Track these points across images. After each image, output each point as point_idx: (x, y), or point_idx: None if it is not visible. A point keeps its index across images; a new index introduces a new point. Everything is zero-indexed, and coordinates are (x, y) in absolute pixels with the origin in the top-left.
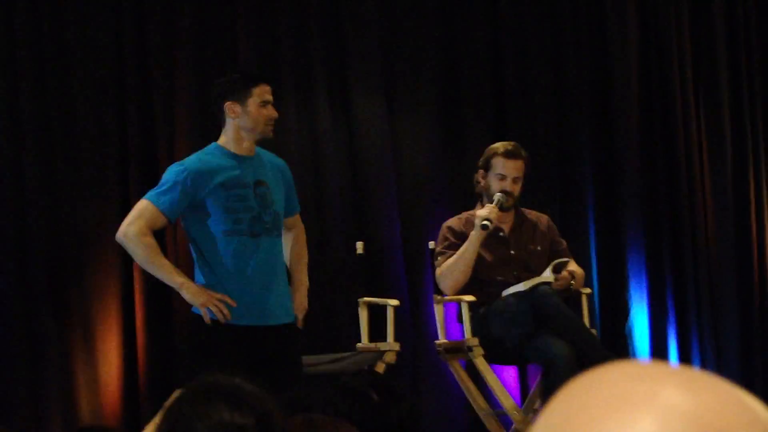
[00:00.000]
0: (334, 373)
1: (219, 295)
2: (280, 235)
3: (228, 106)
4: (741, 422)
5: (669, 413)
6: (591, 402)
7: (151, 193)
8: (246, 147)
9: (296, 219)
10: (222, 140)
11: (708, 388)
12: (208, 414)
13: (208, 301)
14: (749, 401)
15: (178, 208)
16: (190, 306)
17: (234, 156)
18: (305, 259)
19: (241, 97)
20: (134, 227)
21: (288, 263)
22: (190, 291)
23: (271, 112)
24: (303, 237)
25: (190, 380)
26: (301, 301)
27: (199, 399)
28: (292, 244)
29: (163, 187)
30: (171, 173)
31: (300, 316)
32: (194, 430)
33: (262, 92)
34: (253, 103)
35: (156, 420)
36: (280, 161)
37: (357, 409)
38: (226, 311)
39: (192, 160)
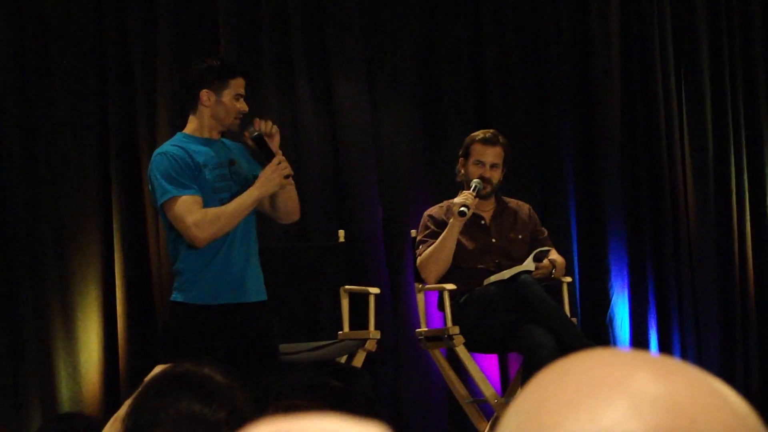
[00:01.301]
0: (316, 360)
1: (277, 160)
2: (253, 212)
3: (204, 93)
4: (713, 407)
5: (640, 398)
6: (563, 387)
7: (166, 193)
8: (213, 132)
9: None
10: (189, 128)
11: (680, 374)
12: (174, 404)
13: (280, 180)
14: (721, 388)
15: (194, 182)
16: (169, 293)
17: (204, 140)
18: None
19: (217, 86)
20: (189, 221)
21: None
22: (261, 188)
23: (242, 105)
24: None
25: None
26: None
27: (166, 389)
28: None
29: (169, 178)
30: (159, 165)
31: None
32: (159, 421)
33: (238, 85)
34: (228, 94)
35: (121, 411)
36: (237, 144)
37: (321, 398)
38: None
39: (168, 146)
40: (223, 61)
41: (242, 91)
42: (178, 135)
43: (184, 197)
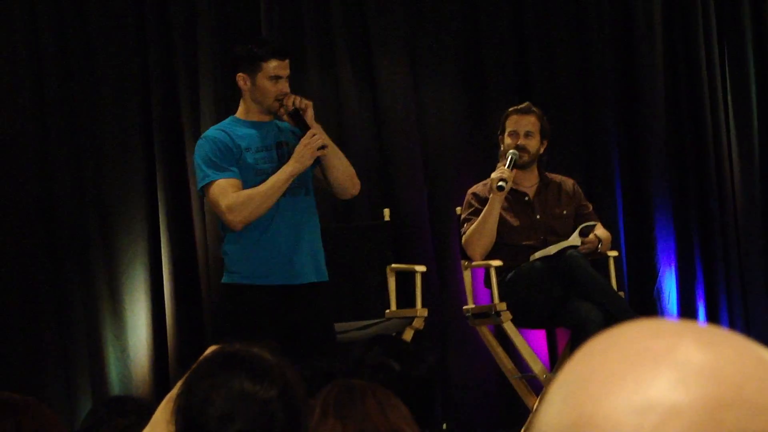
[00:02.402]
0: (364, 339)
1: (311, 133)
2: (308, 193)
3: (240, 77)
4: (759, 376)
5: (686, 368)
6: (609, 359)
7: (205, 177)
8: (262, 115)
9: None
10: (239, 111)
11: (726, 343)
12: (225, 384)
13: (312, 152)
14: (767, 356)
15: (236, 166)
16: (218, 275)
17: (251, 123)
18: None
19: (251, 70)
20: (223, 207)
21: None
22: (294, 163)
23: (280, 87)
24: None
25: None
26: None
27: (217, 369)
28: None
29: (210, 162)
30: (201, 149)
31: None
32: (211, 400)
33: (273, 67)
34: (262, 77)
35: (174, 391)
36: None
37: (380, 379)
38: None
39: (212, 131)
40: (256, 44)
41: (279, 72)
42: (229, 118)
43: (220, 181)
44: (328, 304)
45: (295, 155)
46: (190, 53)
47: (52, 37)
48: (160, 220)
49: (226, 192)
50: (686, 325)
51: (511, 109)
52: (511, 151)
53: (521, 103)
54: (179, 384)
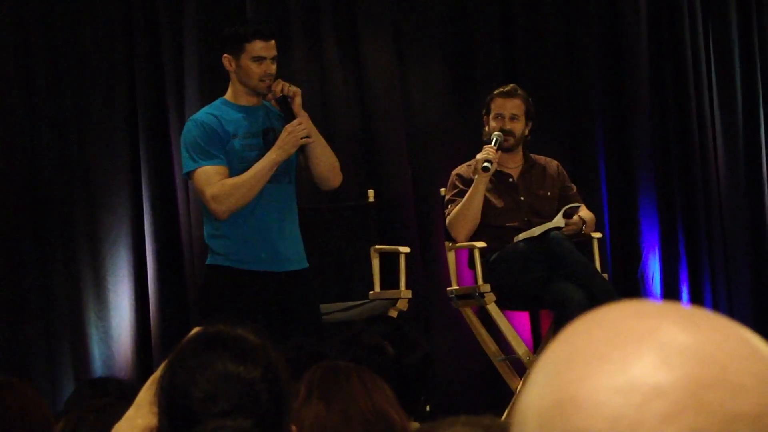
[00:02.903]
0: (346, 321)
1: (296, 121)
2: (291, 182)
3: (225, 59)
4: (741, 356)
5: (669, 348)
6: (592, 339)
7: (191, 162)
8: (250, 98)
9: None
10: (228, 93)
11: (708, 324)
12: (209, 364)
13: (296, 141)
14: (750, 337)
15: (223, 152)
16: (202, 257)
17: (240, 108)
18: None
19: (236, 51)
20: (208, 195)
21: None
22: (277, 150)
23: (264, 68)
24: None
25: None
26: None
27: (200, 350)
28: None
29: (197, 147)
30: (189, 133)
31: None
32: (195, 382)
33: (256, 48)
34: (245, 58)
35: (157, 373)
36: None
37: (373, 361)
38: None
39: (201, 114)
40: (241, 25)
41: (263, 53)
42: (218, 100)
43: (206, 167)
44: (313, 289)
45: (279, 142)
46: (175, 34)
47: (38, 18)
48: (144, 201)
49: (212, 180)
50: (669, 306)
51: (496, 92)
52: (495, 133)
53: (506, 84)
54: (163, 365)
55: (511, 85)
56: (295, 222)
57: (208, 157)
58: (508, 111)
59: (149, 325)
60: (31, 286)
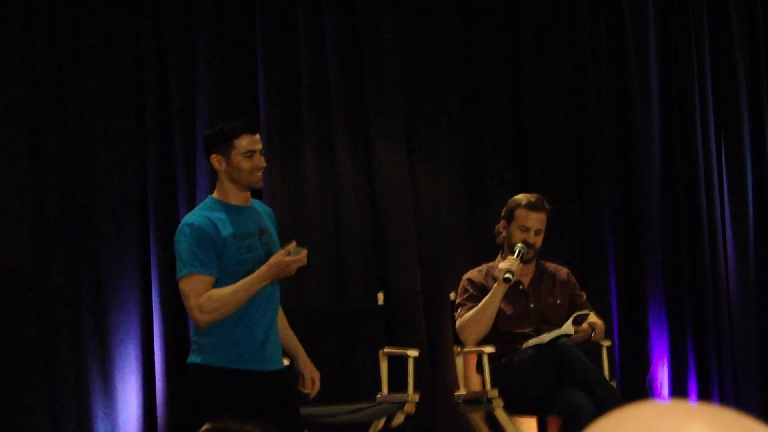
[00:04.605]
0: (353, 423)
1: (287, 258)
2: (278, 282)
3: (214, 159)
4: None
5: None
6: None
7: (185, 267)
8: (241, 197)
9: None
10: (217, 193)
11: (735, 425)
12: None
13: (284, 269)
14: None
15: (215, 263)
16: None
17: (233, 208)
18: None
19: (224, 149)
20: (194, 304)
21: (280, 334)
22: (273, 276)
23: (256, 162)
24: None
25: (192, 429)
26: (313, 369)
27: None
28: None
29: (192, 253)
30: (185, 238)
31: (317, 386)
32: None
33: (245, 143)
34: (236, 154)
35: None
36: (268, 208)
37: None
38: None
39: (197, 217)
40: (225, 122)
41: (253, 147)
42: (208, 199)
43: (196, 276)
44: (294, 389)
45: (277, 268)
46: (186, 132)
47: (49, 84)
48: (153, 295)
49: (199, 290)
50: (697, 406)
51: (524, 202)
52: (519, 245)
53: (517, 189)
54: None
55: (537, 195)
56: (277, 321)
57: (201, 264)
58: (534, 224)
59: (156, 422)
60: (38, 381)
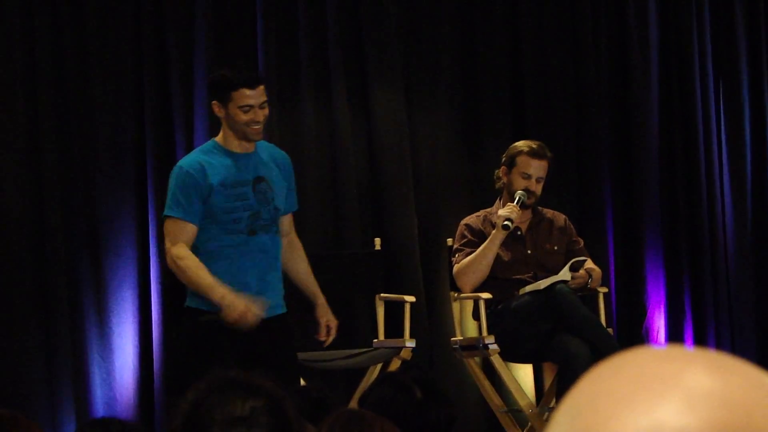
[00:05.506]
0: (349, 368)
1: (256, 307)
2: (278, 231)
3: (214, 104)
4: (767, 403)
5: (695, 392)
6: (617, 381)
7: (168, 209)
8: (242, 144)
9: (291, 222)
10: (219, 137)
11: (735, 370)
12: (225, 406)
13: (243, 315)
14: None
15: (198, 210)
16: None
17: (231, 154)
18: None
19: (224, 98)
20: (173, 251)
21: (298, 280)
22: (226, 303)
23: (252, 116)
24: (303, 250)
25: (187, 373)
26: (330, 317)
27: (215, 392)
28: (298, 260)
29: (176, 197)
30: (173, 179)
31: (333, 333)
32: (212, 421)
33: (242, 97)
34: (233, 106)
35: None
36: (280, 153)
37: (399, 401)
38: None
39: (189, 160)
40: (228, 70)
41: (250, 101)
42: (210, 142)
43: (179, 222)
44: (291, 335)
45: (233, 310)
46: (184, 83)
47: (47, 57)
48: (150, 243)
49: (179, 237)
50: (695, 351)
51: (526, 149)
52: (520, 192)
53: (515, 135)
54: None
55: (539, 143)
56: (278, 269)
57: (184, 211)
58: (536, 172)
59: (153, 367)
60: (34, 327)
